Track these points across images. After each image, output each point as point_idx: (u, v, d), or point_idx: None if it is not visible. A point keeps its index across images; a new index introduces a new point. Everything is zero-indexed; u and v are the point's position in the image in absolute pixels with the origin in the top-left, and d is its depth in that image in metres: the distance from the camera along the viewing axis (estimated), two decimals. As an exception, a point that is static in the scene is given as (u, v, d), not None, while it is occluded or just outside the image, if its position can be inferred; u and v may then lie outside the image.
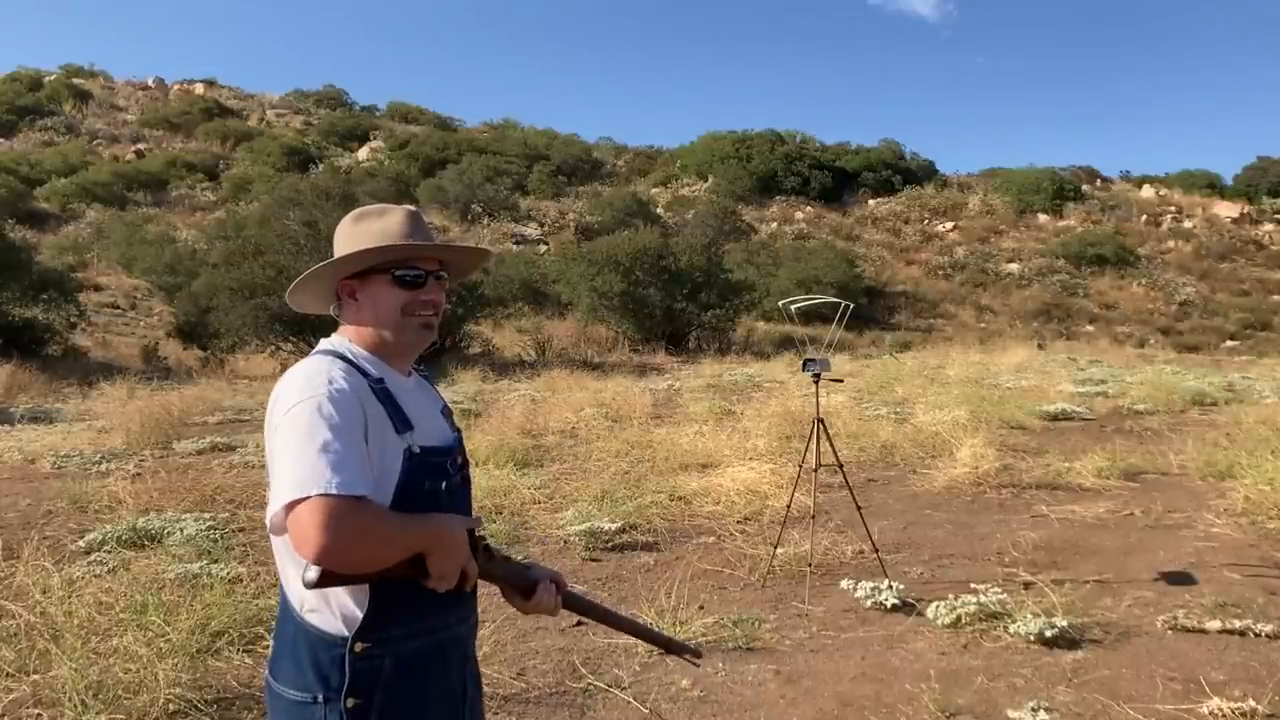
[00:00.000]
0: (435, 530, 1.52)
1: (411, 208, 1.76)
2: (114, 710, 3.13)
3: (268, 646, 3.80)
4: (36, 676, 3.37)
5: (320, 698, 1.53)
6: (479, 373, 15.65)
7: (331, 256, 1.72)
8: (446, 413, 1.80)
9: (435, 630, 1.63)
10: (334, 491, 1.38)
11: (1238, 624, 4.20)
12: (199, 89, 53.50)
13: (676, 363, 20.55)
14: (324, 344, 1.69)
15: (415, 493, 1.56)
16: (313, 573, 1.40)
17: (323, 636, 1.54)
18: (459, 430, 1.81)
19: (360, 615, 1.53)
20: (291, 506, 1.40)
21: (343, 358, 1.62)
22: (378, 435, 1.54)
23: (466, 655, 1.73)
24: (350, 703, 1.52)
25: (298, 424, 1.46)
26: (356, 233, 1.70)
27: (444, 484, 1.65)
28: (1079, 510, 6.60)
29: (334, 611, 1.54)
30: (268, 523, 1.48)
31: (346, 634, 1.53)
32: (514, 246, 34.24)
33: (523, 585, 1.72)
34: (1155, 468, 8.05)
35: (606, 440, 8.81)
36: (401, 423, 1.59)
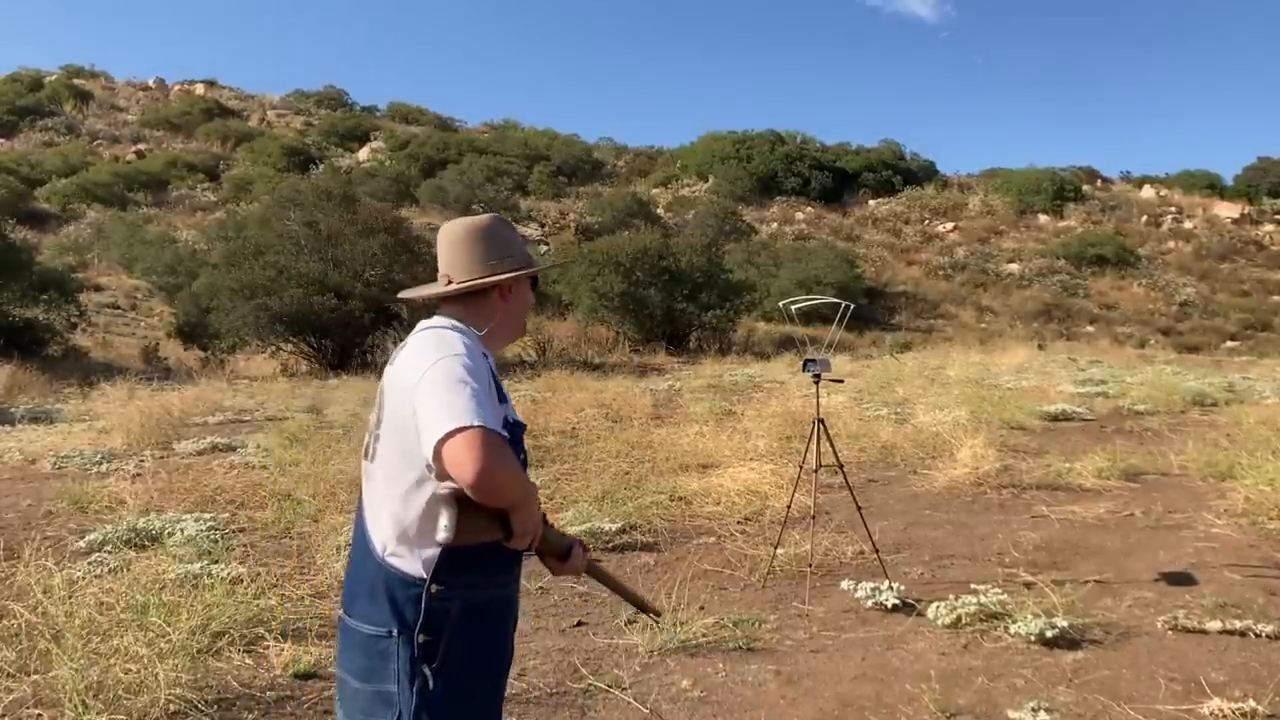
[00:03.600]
0: (531, 486, 1.71)
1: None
2: (114, 710, 3.13)
3: (269, 647, 3.82)
4: (37, 676, 3.38)
5: (394, 632, 1.71)
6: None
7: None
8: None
9: (499, 585, 1.83)
10: (489, 425, 1.58)
11: (1238, 624, 4.20)
12: (199, 89, 53.51)
13: (677, 363, 20.55)
14: (438, 320, 1.89)
15: None
16: (445, 533, 1.62)
17: (403, 577, 1.72)
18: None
19: (437, 558, 1.71)
20: (444, 441, 1.56)
21: (462, 333, 1.83)
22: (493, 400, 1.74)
23: (515, 616, 1.92)
24: (422, 638, 1.70)
25: (444, 374, 1.66)
26: (518, 241, 1.99)
27: (522, 457, 1.83)
28: (1079, 511, 6.60)
29: (415, 555, 1.73)
30: (426, 453, 1.61)
31: (424, 575, 1.71)
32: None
33: (561, 549, 1.90)
34: (1155, 468, 8.05)
35: (607, 441, 8.81)
36: (501, 396, 1.81)
